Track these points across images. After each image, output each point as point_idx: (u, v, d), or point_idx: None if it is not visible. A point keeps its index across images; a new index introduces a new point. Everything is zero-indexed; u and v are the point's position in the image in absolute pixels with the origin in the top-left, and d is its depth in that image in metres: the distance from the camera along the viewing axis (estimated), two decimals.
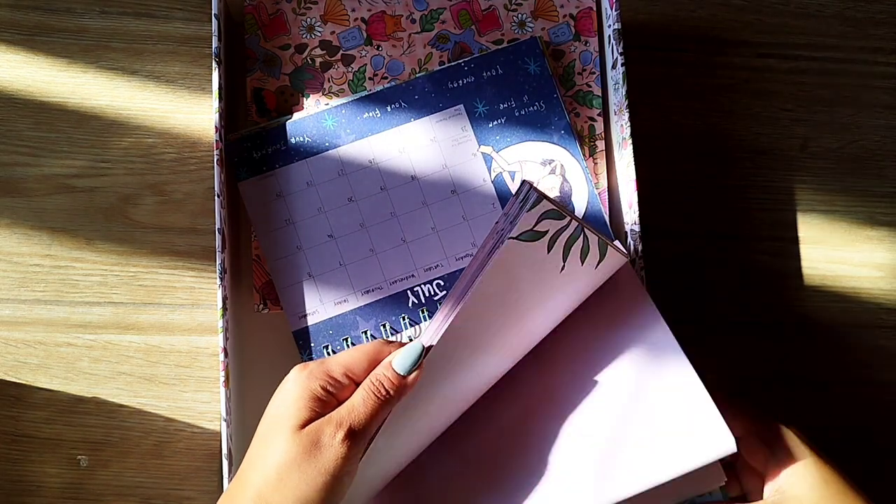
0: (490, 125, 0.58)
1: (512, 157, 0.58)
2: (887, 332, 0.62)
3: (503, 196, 0.57)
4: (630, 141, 0.54)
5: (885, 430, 0.61)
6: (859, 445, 0.61)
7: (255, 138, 0.57)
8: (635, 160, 0.54)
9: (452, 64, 0.58)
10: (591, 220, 0.57)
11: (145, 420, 0.57)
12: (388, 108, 0.58)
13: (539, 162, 0.58)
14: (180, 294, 0.59)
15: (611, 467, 0.47)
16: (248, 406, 0.55)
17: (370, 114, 0.58)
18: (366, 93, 0.58)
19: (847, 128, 0.64)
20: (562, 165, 0.58)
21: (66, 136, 0.60)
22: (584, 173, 0.58)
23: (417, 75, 0.58)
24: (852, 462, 0.60)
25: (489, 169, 0.58)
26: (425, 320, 0.56)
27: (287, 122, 0.57)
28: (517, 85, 0.58)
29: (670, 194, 0.62)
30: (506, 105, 0.58)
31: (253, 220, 0.56)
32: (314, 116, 0.57)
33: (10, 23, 0.61)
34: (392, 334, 0.55)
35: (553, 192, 0.58)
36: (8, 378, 0.58)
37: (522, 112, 0.58)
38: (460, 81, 0.58)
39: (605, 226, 0.57)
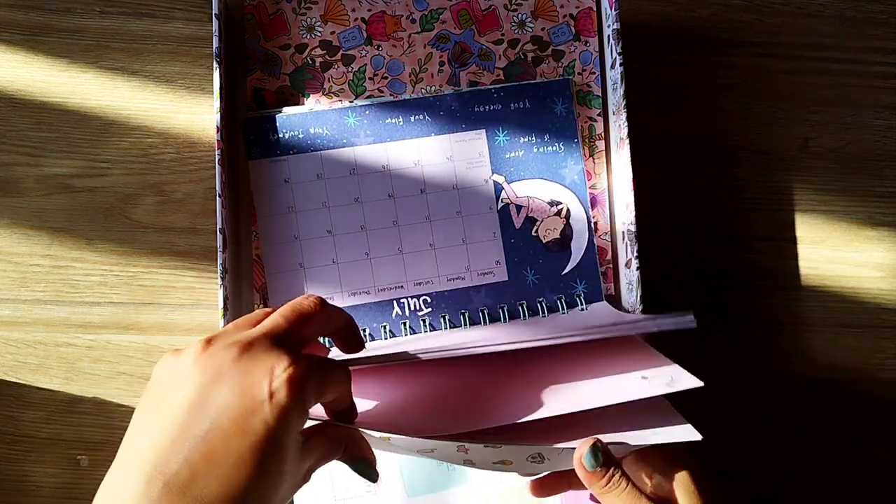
0: (507, 156, 0.58)
1: (522, 191, 0.58)
2: (887, 332, 0.62)
3: (505, 226, 0.57)
4: (627, 141, 0.54)
5: (885, 431, 0.61)
6: (859, 446, 0.60)
7: (273, 120, 0.57)
8: (634, 160, 0.54)
9: (483, 88, 0.58)
10: (585, 270, 0.57)
11: None
12: (412, 119, 0.58)
13: (547, 201, 0.58)
14: (180, 294, 0.59)
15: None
16: None
17: (393, 120, 0.58)
18: (391, 98, 0.58)
19: (847, 128, 0.64)
20: (568, 210, 0.58)
21: (66, 136, 0.60)
22: (588, 223, 0.58)
23: (447, 92, 0.58)
24: (852, 464, 0.60)
25: (497, 198, 0.58)
26: (407, 334, 0.55)
27: (309, 112, 0.57)
28: (541, 122, 0.58)
29: (670, 194, 0.62)
30: (526, 139, 0.58)
31: (256, 201, 0.56)
32: (337, 111, 0.57)
33: (10, 23, 0.61)
34: (370, 341, 0.55)
35: (554, 234, 0.58)
36: (8, 378, 0.58)
37: (541, 149, 0.58)
38: (487, 107, 0.58)
39: (597, 280, 0.57)
